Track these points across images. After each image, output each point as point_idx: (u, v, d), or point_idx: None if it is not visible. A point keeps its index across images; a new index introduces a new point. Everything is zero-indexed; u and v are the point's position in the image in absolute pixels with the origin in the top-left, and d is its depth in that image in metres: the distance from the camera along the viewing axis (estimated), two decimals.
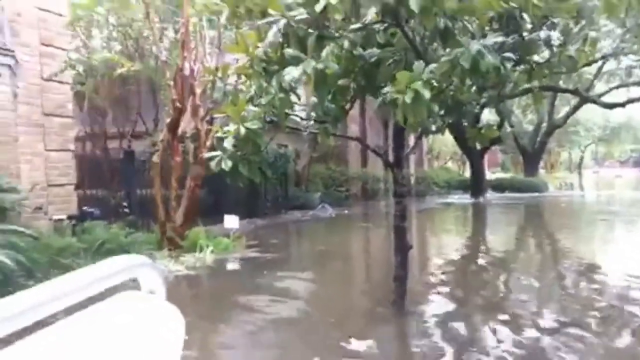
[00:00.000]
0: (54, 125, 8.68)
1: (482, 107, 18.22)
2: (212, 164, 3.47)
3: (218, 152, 3.49)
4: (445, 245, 10.61)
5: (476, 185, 21.97)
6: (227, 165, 3.37)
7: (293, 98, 3.85)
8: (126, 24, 14.00)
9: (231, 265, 8.11)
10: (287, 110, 3.83)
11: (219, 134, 3.57)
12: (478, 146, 21.73)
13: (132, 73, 12.77)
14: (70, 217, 8.43)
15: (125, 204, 10.33)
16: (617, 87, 22.23)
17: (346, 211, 16.91)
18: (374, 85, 3.76)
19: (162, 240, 8.53)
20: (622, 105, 22.25)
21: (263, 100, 3.36)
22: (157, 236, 8.66)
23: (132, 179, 10.75)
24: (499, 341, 4.28)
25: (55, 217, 8.26)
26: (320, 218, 15.39)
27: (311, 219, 15.08)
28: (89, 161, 12.33)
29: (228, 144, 3.42)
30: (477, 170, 22.51)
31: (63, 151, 8.87)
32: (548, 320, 4.88)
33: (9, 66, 7.71)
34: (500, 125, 22.06)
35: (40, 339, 0.79)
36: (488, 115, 24.96)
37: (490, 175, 28.34)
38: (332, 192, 18.78)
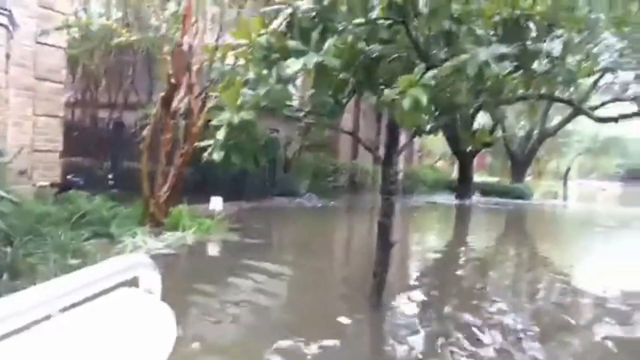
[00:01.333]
0: (44, 89, 8.52)
1: (477, 110, 18.31)
2: (205, 154, 3.42)
3: (210, 142, 3.45)
4: (425, 244, 10.67)
5: (463, 187, 22.10)
6: (219, 155, 3.32)
7: (291, 89, 3.82)
8: None
9: (211, 248, 8.08)
10: (287, 102, 3.79)
11: (214, 122, 3.52)
12: (469, 148, 21.89)
13: (129, 43, 12.59)
14: (53, 185, 8.32)
15: (110, 175, 10.22)
16: (611, 102, 22.41)
17: (332, 202, 16.90)
18: (373, 81, 3.73)
19: (144, 216, 8.46)
20: (615, 120, 22.46)
21: (261, 91, 3.30)
22: (140, 211, 8.59)
23: (120, 151, 10.62)
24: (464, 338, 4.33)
25: (39, 183, 8.15)
26: (306, 207, 15.38)
27: (296, 207, 15.06)
28: (77, 129, 12.14)
29: (221, 134, 3.36)
30: (465, 173, 22.63)
31: (52, 117, 8.73)
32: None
33: (6, 27, 7.52)
34: (492, 130, 22.17)
35: (35, 333, 0.80)
36: (482, 119, 25.08)
37: (477, 177, 28.49)
38: (320, 181, 18.75)
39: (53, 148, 8.76)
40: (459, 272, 8.01)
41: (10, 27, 7.40)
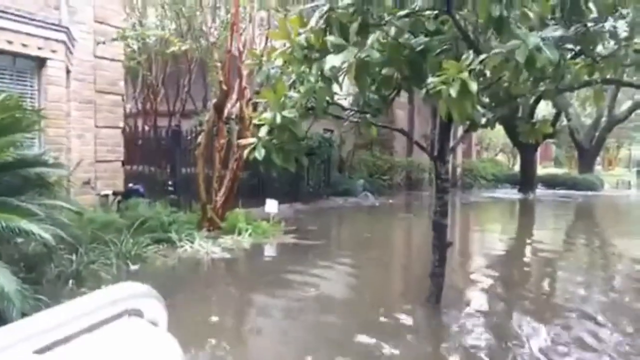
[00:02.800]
0: (104, 102, 8.88)
1: (538, 100, 17.45)
2: (245, 152, 3.39)
3: (253, 140, 3.42)
4: (484, 244, 10.25)
5: (526, 180, 21.15)
6: (260, 153, 3.29)
7: (335, 87, 3.73)
8: (179, 2, 14.20)
9: (267, 251, 8.13)
10: (327, 99, 3.71)
11: (256, 121, 3.49)
12: (530, 140, 20.93)
13: (184, 52, 12.95)
14: (115, 193, 8.65)
15: (170, 182, 10.52)
16: None
17: (390, 200, 16.67)
18: (419, 75, 3.57)
19: (202, 221, 8.63)
20: None
21: (302, 89, 3.24)
22: (198, 216, 8.78)
23: (178, 158, 10.92)
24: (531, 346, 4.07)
25: (102, 192, 8.50)
26: (362, 206, 15.24)
27: (352, 206, 14.95)
28: (138, 138, 12.60)
29: (263, 132, 3.33)
30: (528, 165, 21.64)
31: (112, 128, 9.08)
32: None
33: (64, 42, 7.90)
34: (555, 119, 21.11)
35: None
36: (544, 108, 23.94)
37: (541, 170, 27.21)
38: (376, 180, 18.54)
39: (115, 158, 9.12)
40: (524, 269, 7.65)
41: (69, 43, 7.75)
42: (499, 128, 24.05)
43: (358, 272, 6.93)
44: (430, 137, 5.95)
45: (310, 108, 3.87)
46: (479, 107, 4.47)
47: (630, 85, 18.74)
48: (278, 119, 3.26)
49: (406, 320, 4.72)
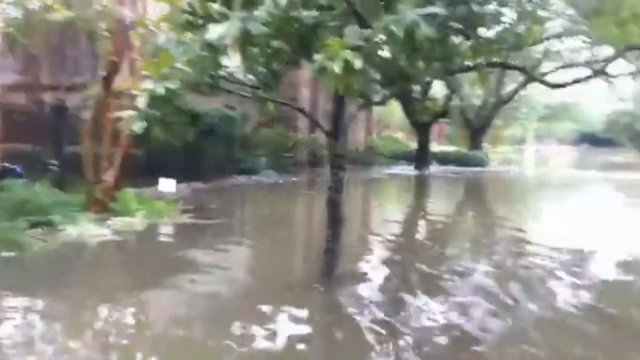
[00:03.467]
0: None
1: (431, 80, 18.26)
2: (121, 124, 3.15)
3: (130, 112, 3.17)
4: (383, 217, 10.65)
5: (421, 157, 22.24)
6: (138, 126, 3.06)
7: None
8: None
9: (162, 232, 7.81)
10: (215, 72, 3.54)
11: (134, 92, 3.25)
12: (425, 118, 21.99)
13: (70, 21, 11.87)
14: None
15: (53, 161, 9.70)
16: (562, 68, 22.83)
17: (293, 178, 16.74)
18: (309, 50, 3.51)
19: (89, 202, 8.06)
20: (565, 85, 22.92)
21: (184, 58, 3.05)
22: (85, 197, 8.18)
23: (63, 135, 10.08)
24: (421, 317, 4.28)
25: None
26: (265, 184, 15.16)
27: (255, 184, 14.82)
28: (17, 113, 11.45)
29: (141, 103, 3.10)
30: (423, 142, 22.76)
31: None
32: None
33: None
34: (448, 99, 22.32)
35: None
36: (440, 88, 25.17)
37: (436, 147, 28.75)
38: (279, 157, 18.50)
39: None
40: (419, 240, 8.06)
41: None
42: (398, 108, 25.01)
43: (257, 251, 6.88)
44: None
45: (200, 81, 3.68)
46: (373, 85, 4.55)
47: (513, 67, 20.21)
48: (160, 90, 3.05)
49: (301, 297, 4.74)
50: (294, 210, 11.68)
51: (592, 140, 70.01)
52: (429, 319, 4.25)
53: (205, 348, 3.67)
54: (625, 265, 6.43)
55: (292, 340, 3.75)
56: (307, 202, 12.89)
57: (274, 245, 7.21)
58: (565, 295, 5.02)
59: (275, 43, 3.34)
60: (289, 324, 4.03)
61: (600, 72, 19.73)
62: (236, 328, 3.89)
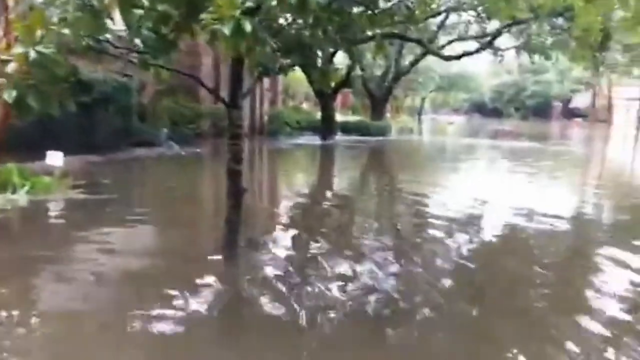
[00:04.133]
0: None
1: (334, 50, 18.45)
2: None
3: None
4: (288, 187, 10.74)
5: (326, 127, 22.55)
6: (10, 95, 2.77)
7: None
8: None
9: (49, 209, 7.26)
10: (99, 36, 3.28)
11: (3, 57, 2.93)
12: (328, 88, 22.21)
13: None
14: None
15: None
16: (456, 40, 24.05)
17: (197, 149, 16.26)
18: (199, 15, 3.36)
19: None
20: (458, 58, 24.21)
21: (54, 18, 2.78)
22: None
23: None
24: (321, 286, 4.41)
25: None
26: (167, 156, 14.58)
27: (156, 156, 14.21)
28: None
29: (11, 69, 2.80)
30: (328, 112, 23.05)
31: None
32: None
33: None
34: (350, 69, 22.67)
35: None
36: (343, 59, 25.46)
37: (340, 117, 29.29)
38: (182, 128, 17.83)
39: None
40: (325, 210, 8.23)
41: None
42: (304, 77, 24.99)
43: (156, 227, 6.64)
44: None
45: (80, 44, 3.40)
46: (271, 54, 4.49)
47: (410, 39, 20.82)
48: (32, 55, 2.76)
49: (202, 269, 4.68)
50: (199, 182, 11.39)
51: (482, 109, 75.30)
52: (327, 288, 4.34)
53: (103, 325, 3.52)
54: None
55: (193, 312, 3.70)
56: (212, 173, 12.62)
57: (175, 219, 7.00)
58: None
59: (161, 7, 3.14)
60: (191, 297, 3.96)
61: (487, 46, 21.06)
62: (134, 307, 3.75)
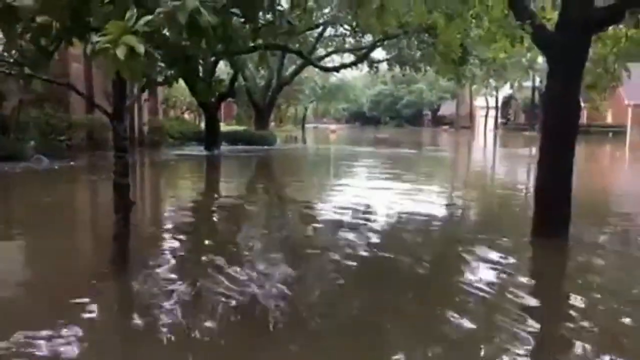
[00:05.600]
0: None
1: (216, 61, 18.38)
2: None
3: None
4: (173, 201, 10.51)
5: (210, 137, 22.28)
6: None
7: None
8: None
9: None
10: None
11: None
12: (211, 99, 22.02)
13: None
14: None
15: None
16: (333, 53, 25.17)
17: (71, 163, 15.20)
18: (83, 27, 3.30)
19: None
20: (337, 69, 25.34)
21: None
22: None
23: None
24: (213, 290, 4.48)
25: None
26: (36, 171, 13.47)
27: (23, 171, 13.05)
28: None
29: None
30: (212, 123, 22.81)
31: None
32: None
33: None
34: (233, 80, 22.69)
35: None
36: (225, 69, 25.36)
37: (225, 127, 29.09)
38: (51, 141, 16.54)
39: None
40: (213, 221, 8.22)
41: None
42: (185, 87, 24.46)
43: (35, 249, 6.19)
44: (112, 93, 5.65)
45: None
46: (155, 66, 4.48)
47: (291, 51, 21.41)
48: None
49: (90, 285, 4.50)
50: (75, 198, 10.70)
51: (361, 118, 79.23)
52: (222, 300, 4.38)
53: None
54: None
55: (77, 338, 3.55)
56: (91, 188, 11.91)
57: (53, 237, 6.56)
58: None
59: (41, 19, 3.04)
60: (76, 319, 3.80)
61: (363, 58, 22.35)
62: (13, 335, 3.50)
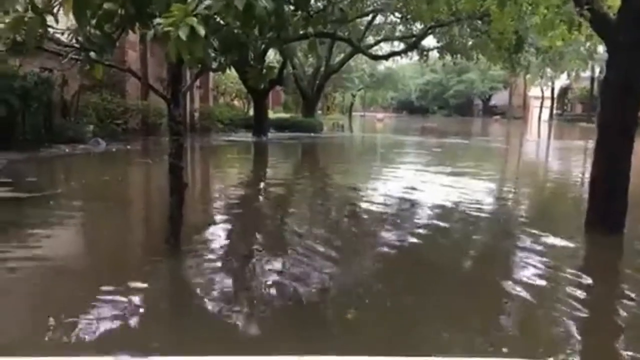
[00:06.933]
0: None
1: (266, 48, 18.62)
2: None
3: None
4: (225, 183, 10.79)
5: (258, 124, 22.63)
6: None
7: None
8: None
9: None
10: (41, 32, 3.29)
11: None
12: (261, 86, 22.32)
13: None
14: None
15: None
16: (383, 41, 24.90)
17: (127, 146, 15.85)
18: (145, 14, 3.45)
19: None
20: (386, 57, 25.08)
21: (7, 19, 2.78)
22: None
23: None
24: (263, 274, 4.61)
25: None
26: (94, 153, 14.13)
27: (82, 154, 13.72)
28: None
29: None
30: (260, 109, 23.14)
31: None
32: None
33: None
34: (282, 67, 22.88)
35: None
36: (274, 57, 25.61)
37: (272, 114, 29.44)
38: (108, 125, 17.29)
39: None
40: (260, 204, 8.39)
41: None
42: (235, 75, 24.90)
43: (93, 226, 6.54)
44: (168, 79, 5.86)
45: (21, 42, 3.39)
46: (210, 51, 4.62)
47: (339, 39, 21.37)
48: None
49: (146, 264, 4.74)
50: (131, 180, 11.16)
51: (409, 107, 78.07)
52: (271, 283, 4.50)
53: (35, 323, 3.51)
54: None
55: (130, 315, 3.70)
56: (144, 170, 12.39)
57: (110, 217, 6.90)
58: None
59: (107, 5, 3.20)
60: (130, 298, 3.98)
61: (413, 46, 22.01)
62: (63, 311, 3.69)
